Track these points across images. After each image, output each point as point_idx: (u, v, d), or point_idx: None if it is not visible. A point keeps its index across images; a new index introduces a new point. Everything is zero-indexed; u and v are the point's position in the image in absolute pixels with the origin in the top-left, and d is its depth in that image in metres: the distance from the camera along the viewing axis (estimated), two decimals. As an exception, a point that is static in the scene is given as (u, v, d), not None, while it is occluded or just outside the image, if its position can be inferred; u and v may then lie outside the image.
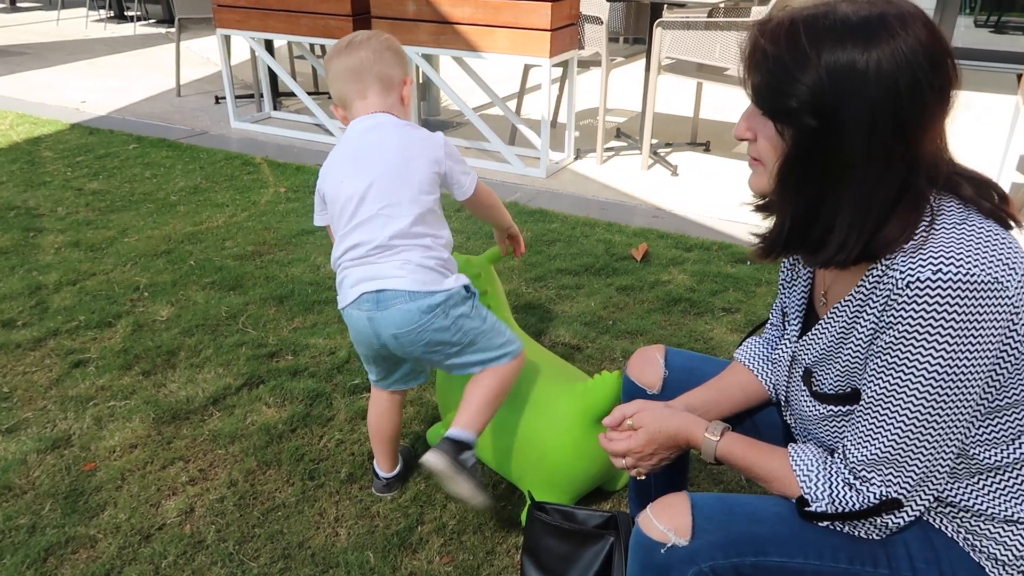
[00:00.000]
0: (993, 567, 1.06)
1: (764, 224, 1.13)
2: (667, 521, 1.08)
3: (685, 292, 2.79)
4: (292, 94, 4.99)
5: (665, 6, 4.06)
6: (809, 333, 1.15)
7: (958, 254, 0.92)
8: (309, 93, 4.96)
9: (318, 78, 5.64)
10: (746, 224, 3.36)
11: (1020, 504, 1.04)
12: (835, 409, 1.11)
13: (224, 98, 5.28)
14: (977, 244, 0.93)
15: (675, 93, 5.69)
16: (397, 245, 1.54)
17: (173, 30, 5.62)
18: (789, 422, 1.30)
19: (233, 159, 4.29)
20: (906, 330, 0.94)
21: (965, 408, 0.97)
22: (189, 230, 3.36)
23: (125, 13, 9.16)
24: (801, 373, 1.18)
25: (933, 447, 0.99)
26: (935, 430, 0.98)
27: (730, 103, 5.34)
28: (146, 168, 4.14)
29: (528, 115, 5.05)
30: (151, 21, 8.94)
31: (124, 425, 2.09)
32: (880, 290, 0.98)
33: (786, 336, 1.26)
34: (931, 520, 1.10)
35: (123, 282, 2.87)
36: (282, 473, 1.92)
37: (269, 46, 4.92)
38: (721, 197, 3.75)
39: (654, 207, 3.66)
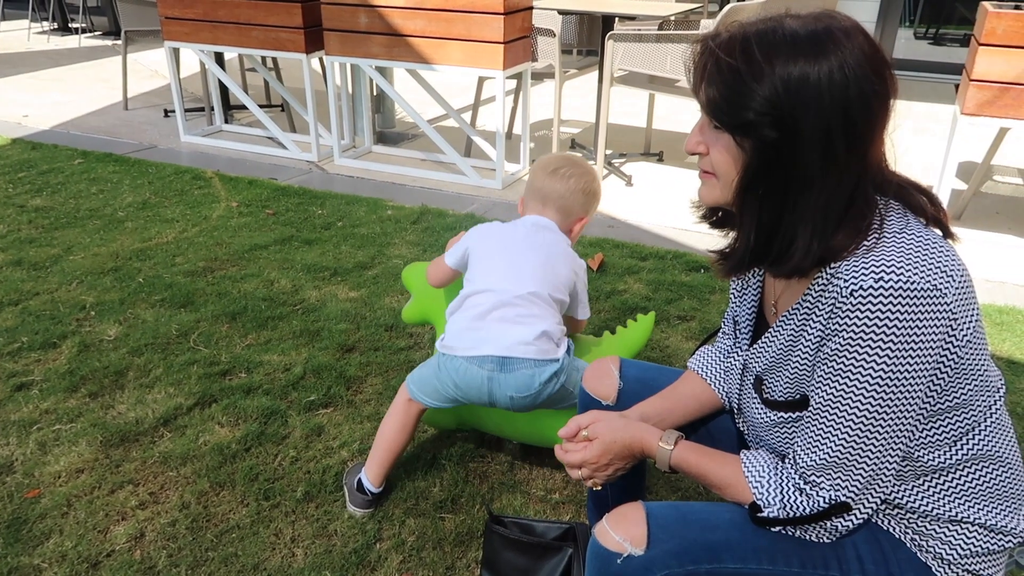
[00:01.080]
0: (940, 566, 1.09)
1: (722, 242, 1.14)
2: (622, 531, 1.09)
3: (641, 301, 2.81)
4: (244, 107, 4.93)
5: (616, 19, 4.11)
6: (759, 341, 1.17)
7: (899, 262, 0.95)
8: (261, 106, 4.90)
9: (270, 90, 5.58)
10: (700, 233, 3.41)
11: (963, 504, 1.07)
12: (785, 416, 1.12)
13: (173, 111, 5.19)
14: (917, 252, 0.96)
15: (628, 104, 5.76)
16: (528, 316, 1.70)
17: (120, 42, 5.51)
18: (742, 429, 1.31)
19: (183, 173, 4.22)
20: (850, 337, 0.97)
21: (908, 412, 0.99)
22: (137, 246, 3.28)
23: (69, 25, 8.95)
24: (752, 381, 1.20)
25: (879, 451, 1.01)
26: (880, 434, 1.00)
27: (682, 114, 5.43)
28: (92, 183, 4.05)
29: (483, 126, 5.06)
30: (97, 33, 8.75)
31: (70, 449, 2.03)
32: (825, 298, 1.01)
33: (737, 344, 1.28)
34: (879, 522, 1.12)
35: (68, 301, 2.79)
36: (236, 494, 1.88)
37: (220, 58, 4.86)
38: (675, 206, 3.80)
39: (609, 217, 3.69)
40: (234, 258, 3.18)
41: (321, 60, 4.28)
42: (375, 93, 4.75)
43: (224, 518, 1.81)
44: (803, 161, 0.96)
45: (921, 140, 4.89)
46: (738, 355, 1.26)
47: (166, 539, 1.75)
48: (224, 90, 5.04)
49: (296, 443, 2.06)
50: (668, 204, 3.86)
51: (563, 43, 4.20)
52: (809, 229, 0.98)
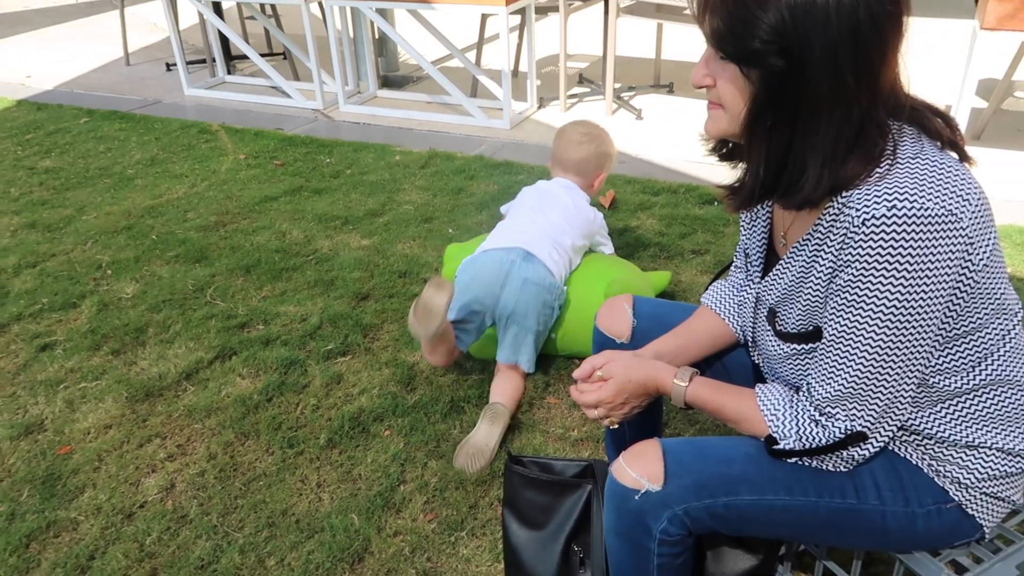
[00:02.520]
0: (957, 490, 1.10)
1: (732, 175, 1.12)
2: (640, 468, 1.10)
3: (655, 237, 2.79)
4: (245, 57, 4.86)
5: (621, -54, 3.97)
6: (771, 274, 1.16)
7: (912, 189, 0.93)
8: (263, 55, 4.83)
9: (271, 39, 5.48)
10: (712, 165, 3.36)
11: (980, 429, 1.07)
12: (799, 347, 1.12)
13: (175, 65, 5.13)
14: (930, 177, 0.94)
15: (636, 35, 5.62)
16: (550, 243, 2.08)
17: (116, -4, 5.43)
18: (757, 362, 1.31)
19: (189, 128, 4.19)
20: (864, 267, 0.95)
21: (924, 340, 0.99)
22: (149, 204, 3.29)
23: (65, -20, 8.79)
24: (765, 313, 1.19)
25: (895, 380, 1.01)
26: (896, 363, 0.99)
27: (691, 43, 5.29)
28: (99, 142, 4.03)
29: (488, 66, 4.96)
30: (93, -13, 8.60)
31: (97, 406, 2.07)
32: (837, 228, 0.99)
33: (749, 277, 1.27)
34: (896, 449, 1.12)
35: (84, 261, 2.81)
36: (261, 443, 1.92)
37: (218, 8, 4.77)
38: (686, 139, 3.74)
39: (621, 153, 3.64)
40: (245, 211, 3.17)
41: (320, 4, 4.19)
42: (377, 36, 4.66)
43: (251, 467, 1.85)
44: (812, 89, 0.93)
45: (939, 57, 4.75)
46: (750, 288, 1.25)
47: (196, 489, 1.79)
48: (225, 40, 4.96)
49: (316, 392, 2.09)
50: (679, 137, 3.79)
51: (567, -26, 4.08)
52: (819, 159, 0.96)
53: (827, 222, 1.01)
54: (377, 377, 2.14)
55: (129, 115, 4.42)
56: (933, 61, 4.69)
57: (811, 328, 1.09)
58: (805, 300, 1.08)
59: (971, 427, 1.07)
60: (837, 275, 1.00)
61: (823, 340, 1.05)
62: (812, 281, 1.06)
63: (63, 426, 2.01)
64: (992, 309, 1.01)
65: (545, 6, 4.20)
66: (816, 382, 1.06)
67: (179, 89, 4.84)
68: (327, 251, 2.82)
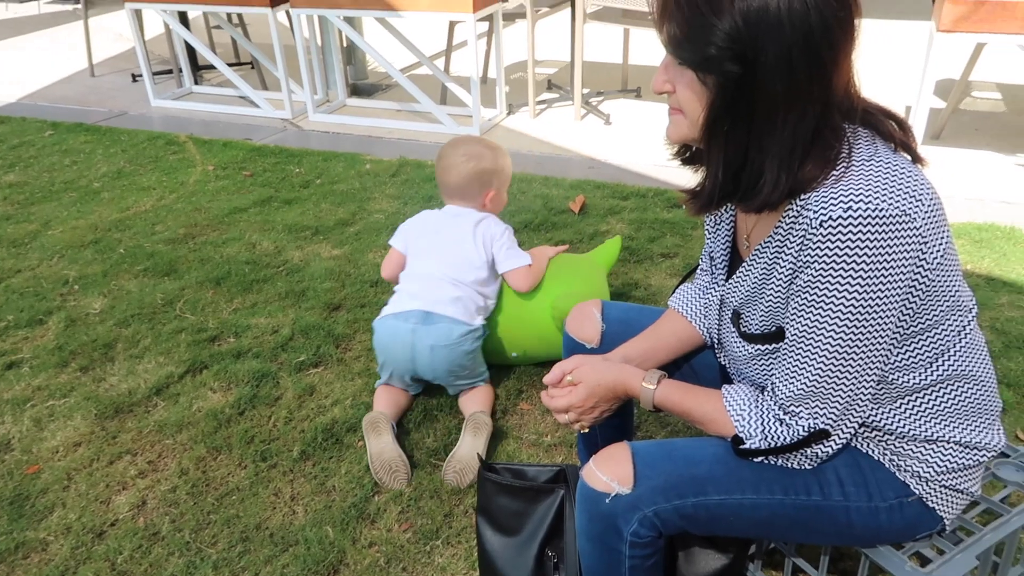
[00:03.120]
0: (918, 484, 1.12)
1: (695, 178, 1.14)
2: (609, 471, 1.11)
3: (624, 241, 2.82)
4: (213, 67, 4.83)
5: (586, -48, 4.01)
6: (734, 276, 1.18)
7: (867, 190, 0.95)
8: (230, 64, 4.80)
9: (238, 48, 5.45)
10: (679, 169, 3.40)
11: (938, 423, 1.10)
12: (762, 348, 1.14)
13: (141, 76, 5.08)
14: (885, 179, 0.96)
15: (603, 41, 5.66)
16: (448, 287, 1.96)
17: (80, 6, 5.35)
18: (724, 363, 1.33)
19: (156, 139, 4.15)
20: (822, 268, 0.98)
21: (882, 337, 1.01)
22: (116, 217, 3.25)
23: (27, -9, 8.67)
24: (730, 315, 1.22)
25: (855, 377, 1.03)
26: (855, 361, 1.02)
27: (658, 47, 5.34)
28: (65, 155, 3.98)
29: (457, 73, 4.98)
30: (55, -2, 8.49)
31: (65, 424, 2.05)
32: (796, 230, 1.01)
33: (714, 280, 1.29)
34: (858, 445, 1.15)
35: (51, 277, 2.78)
36: (233, 457, 1.91)
37: (184, 17, 4.73)
38: (654, 143, 3.78)
39: (589, 158, 3.67)
40: (214, 223, 3.15)
41: (287, 13, 4.17)
42: (345, 45, 4.65)
43: (223, 481, 1.84)
44: (766, 94, 0.95)
45: (899, 58, 4.84)
46: (715, 290, 1.28)
47: (168, 505, 1.78)
48: (191, 50, 4.92)
49: (289, 404, 2.08)
50: (647, 141, 3.83)
51: (533, -19, 4.10)
52: (776, 162, 0.98)
53: (787, 224, 1.04)
54: (350, 387, 2.14)
55: (95, 127, 4.37)
56: (895, 63, 4.79)
57: (774, 329, 1.11)
58: (767, 301, 1.10)
59: (930, 422, 1.10)
60: (797, 276, 1.02)
61: (785, 340, 1.07)
62: (774, 282, 1.08)
63: (31, 445, 1.98)
64: (947, 306, 1.04)
65: (512, 12, 4.23)
66: (779, 381, 1.08)
67: (145, 100, 4.79)
68: (298, 262, 2.81)
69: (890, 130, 1.05)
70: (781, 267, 1.06)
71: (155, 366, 2.26)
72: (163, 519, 1.74)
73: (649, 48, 5.35)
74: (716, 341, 1.33)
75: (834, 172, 0.99)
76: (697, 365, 1.43)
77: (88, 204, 3.39)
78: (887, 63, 4.77)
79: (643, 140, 3.84)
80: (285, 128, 4.30)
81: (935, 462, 1.11)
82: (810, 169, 0.99)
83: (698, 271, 1.41)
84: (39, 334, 2.45)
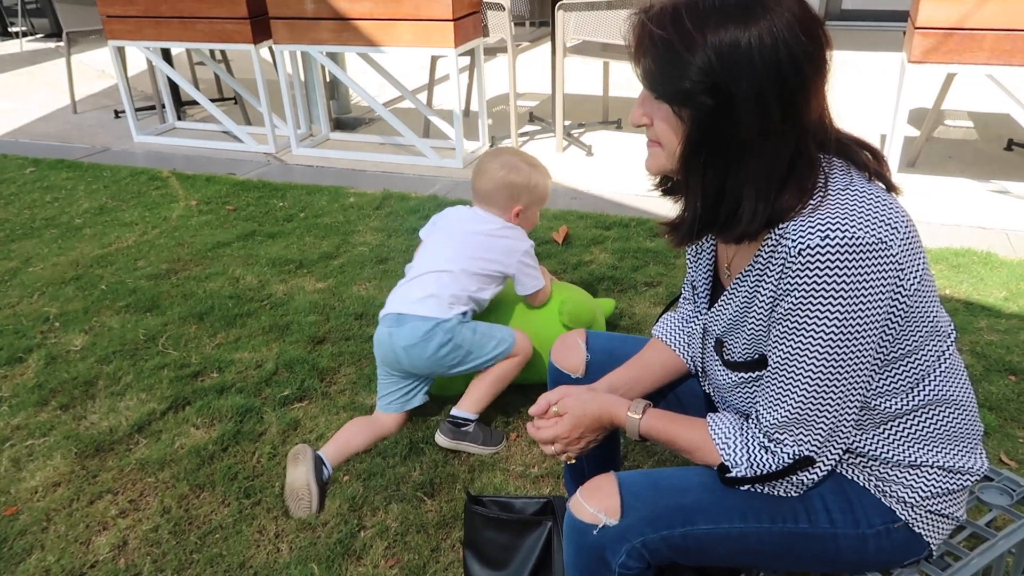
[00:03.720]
0: (903, 510, 1.13)
1: (674, 210, 1.15)
2: (596, 503, 1.11)
3: (608, 270, 2.83)
4: (196, 102, 4.85)
5: (565, -12, 4.08)
6: (716, 304, 1.19)
7: (844, 219, 0.97)
8: (213, 100, 4.82)
9: (221, 84, 5.47)
10: (660, 199, 3.43)
11: (921, 448, 1.11)
12: (746, 376, 1.15)
13: (124, 112, 5.08)
14: (861, 208, 0.98)
15: (584, 74, 5.74)
16: (426, 284, 1.99)
17: (63, 44, 5.38)
18: (708, 391, 1.34)
19: (139, 175, 4.15)
20: (802, 296, 0.99)
21: (863, 364, 1.02)
22: (98, 253, 3.23)
23: (9, 29, 8.69)
24: (713, 343, 1.23)
25: (838, 404, 1.04)
26: (838, 388, 1.03)
27: (637, 80, 5.42)
28: (46, 192, 3.97)
29: (440, 106, 5.02)
30: (38, 36, 8.51)
31: (45, 463, 2.01)
32: (775, 259, 1.03)
33: (697, 309, 1.30)
34: (843, 472, 1.15)
35: (31, 314, 2.75)
36: (216, 495, 1.88)
37: (167, 54, 4.76)
38: (636, 173, 3.82)
39: (572, 189, 3.70)
40: (197, 257, 3.14)
41: (271, 49, 4.21)
42: (328, 79, 4.69)
43: (206, 520, 1.81)
44: (741, 126, 0.97)
45: (874, 89, 4.94)
46: (698, 319, 1.29)
47: (149, 545, 1.75)
48: (174, 86, 4.94)
49: (273, 439, 2.06)
50: (629, 171, 3.87)
51: (514, 15, 4.17)
52: (753, 193, 1.00)
53: (766, 253, 1.05)
54: (335, 421, 2.12)
55: (76, 163, 4.36)
56: (870, 94, 4.88)
57: (757, 356, 1.12)
58: (749, 329, 1.11)
59: (913, 447, 1.11)
60: (778, 304, 1.03)
61: (768, 368, 1.08)
62: (755, 311, 1.09)
63: (8, 486, 1.94)
64: (926, 332, 1.05)
65: (494, 47, 4.28)
66: (763, 409, 1.09)
67: (128, 136, 4.80)
68: (281, 295, 2.80)
69: (864, 160, 1.07)
70: (762, 295, 1.07)
71: (137, 403, 2.23)
72: (144, 559, 1.71)
73: (629, 80, 5.42)
74: (700, 369, 1.33)
75: (811, 201, 1.00)
76: (682, 394, 1.44)
77: (69, 240, 3.37)
78: (862, 94, 4.86)
79: (624, 170, 3.89)
80: (269, 162, 4.31)
81: (920, 487, 1.12)
82: (787, 199, 1.01)
83: (681, 300, 1.42)
84: (18, 372, 2.42)
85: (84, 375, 2.37)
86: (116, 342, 2.54)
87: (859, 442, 1.12)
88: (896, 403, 1.08)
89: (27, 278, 3.02)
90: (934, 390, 1.09)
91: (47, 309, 2.78)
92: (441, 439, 1.97)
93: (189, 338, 2.55)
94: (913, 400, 1.09)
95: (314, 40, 3.96)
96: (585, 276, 2.80)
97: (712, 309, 1.21)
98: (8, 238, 3.42)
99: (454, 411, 2.00)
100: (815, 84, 0.99)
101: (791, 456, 1.07)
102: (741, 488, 1.12)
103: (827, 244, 0.96)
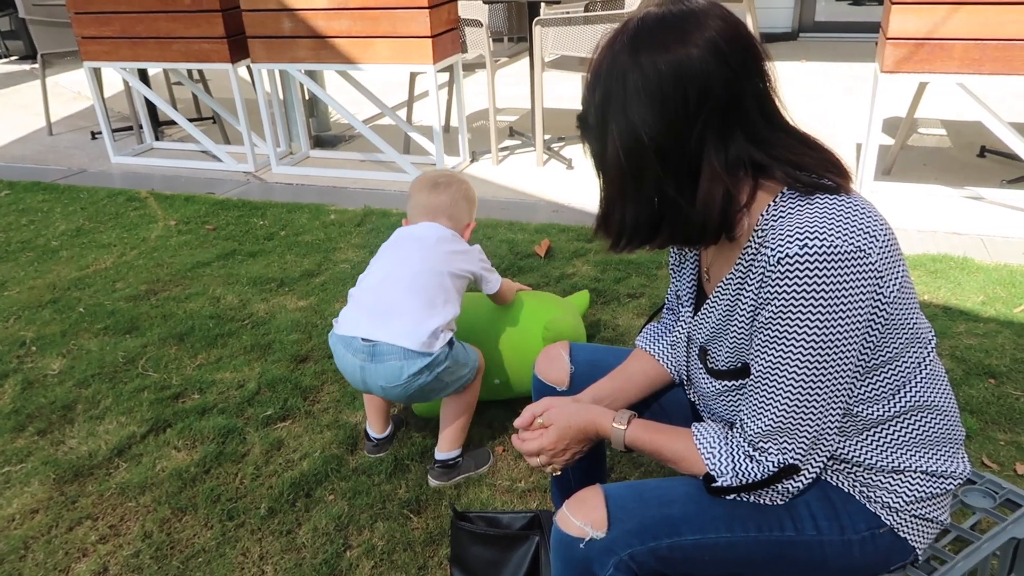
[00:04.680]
0: (888, 514, 1.13)
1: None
2: (583, 516, 1.11)
3: (590, 283, 2.84)
4: (174, 122, 4.82)
5: (543, 4, 4.11)
6: (700, 312, 1.20)
7: (821, 228, 0.98)
8: (191, 120, 4.80)
9: (199, 103, 5.45)
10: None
11: (904, 454, 1.11)
12: (730, 384, 1.15)
13: (100, 133, 5.04)
14: (839, 216, 0.99)
15: (562, 88, 5.78)
16: (403, 308, 1.79)
17: (37, 66, 5.34)
18: (693, 400, 1.34)
19: (116, 196, 4.11)
20: (782, 305, 0.99)
21: (845, 371, 1.03)
22: (75, 275, 3.20)
23: (-18, 52, 8.61)
24: (697, 352, 1.23)
25: (821, 412, 1.04)
26: (820, 396, 1.03)
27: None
28: (22, 215, 3.92)
29: (420, 122, 5.03)
30: (13, 58, 8.44)
31: (22, 490, 1.98)
32: (755, 267, 1.03)
33: (681, 317, 1.30)
34: (828, 479, 1.16)
35: (7, 338, 2.71)
36: (199, 517, 1.86)
37: (144, 74, 4.73)
38: (616, 186, 3.83)
39: (553, 203, 3.71)
40: (177, 278, 3.11)
41: (248, 68, 4.20)
42: (307, 97, 4.68)
43: (189, 543, 1.79)
44: (658, 153, 1.01)
45: (849, 99, 5.01)
46: (682, 327, 1.29)
47: (131, 571, 1.72)
48: (152, 106, 4.91)
49: (256, 459, 2.04)
50: (610, 184, 3.89)
51: (493, 31, 4.20)
52: (698, 206, 1.04)
53: (746, 261, 1.06)
54: (319, 440, 2.10)
55: (53, 186, 4.31)
56: (846, 104, 4.95)
57: (740, 364, 1.13)
58: (732, 337, 1.12)
59: (896, 452, 1.11)
60: (759, 312, 1.04)
61: (751, 377, 1.08)
62: (737, 319, 1.09)
63: (-15, 514, 1.91)
64: (906, 338, 1.06)
65: (472, 63, 4.30)
66: (747, 418, 1.09)
67: (105, 157, 4.76)
68: (263, 314, 2.78)
69: (827, 167, 1.07)
70: (743, 303, 1.07)
71: (116, 426, 2.20)
72: (126, 586, 1.68)
73: (607, 94, 5.45)
74: (685, 378, 1.34)
75: (780, 210, 1.01)
76: (666, 403, 1.44)
77: (46, 263, 3.33)
78: (837, 105, 4.93)
79: (605, 183, 3.90)
80: (248, 181, 4.29)
81: (904, 492, 1.12)
82: (742, 205, 1.03)
83: (664, 310, 1.43)
84: (-5, 398, 2.38)
85: (62, 399, 2.34)
86: (95, 365, 2.51)
87: (843, 448, 1.12)
88: (878, 409, 1.09)
89: (3, 302, 2.98)
90: (916, 396, 1.10)
91: (23, 333, 2.74)
92: (435, 483, 1.92)
93: (169, 359, 2.52)
94: (895, 406, 1.09)
95: (292, 58, 3.96)
96: (568, 289, 2.80)
97: (696, 317, 1.21)
98: (-17, 262, 3.37)
99: (438, 455, 1.93)
100: (749, 100, 1.01)
101: (776, 464, 1.07)
102: (727, 497, 1.12)
103: (805, 253, 0.97)
